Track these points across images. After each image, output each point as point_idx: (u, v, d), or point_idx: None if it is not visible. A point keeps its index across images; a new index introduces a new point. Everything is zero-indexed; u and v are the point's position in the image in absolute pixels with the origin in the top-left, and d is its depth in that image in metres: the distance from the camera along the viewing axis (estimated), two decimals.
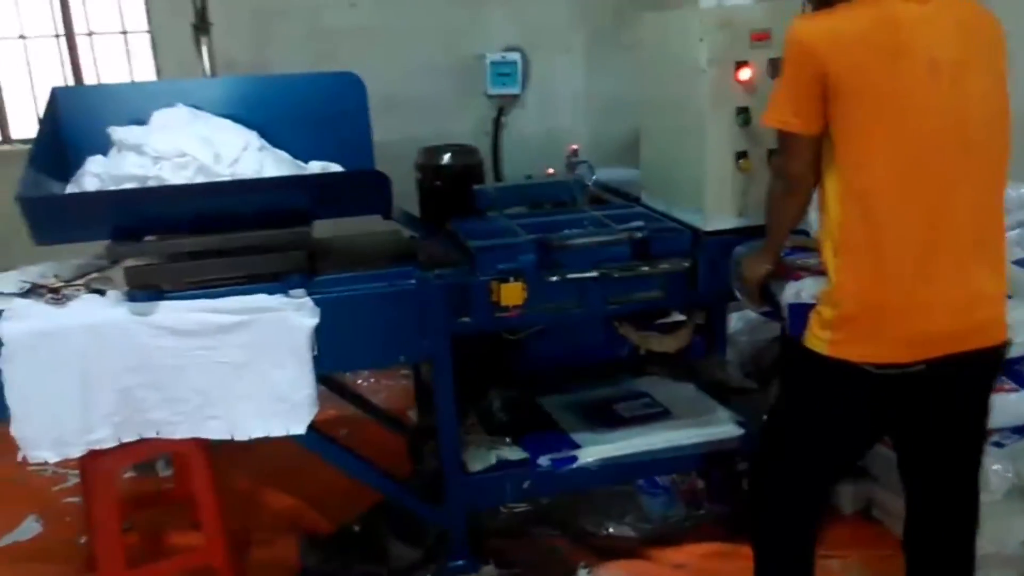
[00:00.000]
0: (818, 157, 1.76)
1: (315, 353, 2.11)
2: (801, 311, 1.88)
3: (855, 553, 2.60)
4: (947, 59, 1.62)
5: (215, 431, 2.08)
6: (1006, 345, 1.74)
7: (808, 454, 1.86)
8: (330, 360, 2.15)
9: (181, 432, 2.07)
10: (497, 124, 3.90)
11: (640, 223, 2.50)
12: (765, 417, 2.52)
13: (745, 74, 2.21)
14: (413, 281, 2.19)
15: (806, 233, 2.18)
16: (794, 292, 2.00)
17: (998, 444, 2.32)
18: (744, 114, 2.24)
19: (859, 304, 1.69)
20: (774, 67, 2.22)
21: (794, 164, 1.78)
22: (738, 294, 2.24)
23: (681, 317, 2.76)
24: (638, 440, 2.46)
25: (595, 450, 2.42)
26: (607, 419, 2.58)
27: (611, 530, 2.69)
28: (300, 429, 2.15)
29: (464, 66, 3.82)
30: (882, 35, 1.63)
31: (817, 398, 1.82)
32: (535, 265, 2.25)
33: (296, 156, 2.38)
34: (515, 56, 3.79)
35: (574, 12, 3.89)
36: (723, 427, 2.53)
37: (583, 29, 3.91)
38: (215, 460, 2.27)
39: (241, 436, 2.09)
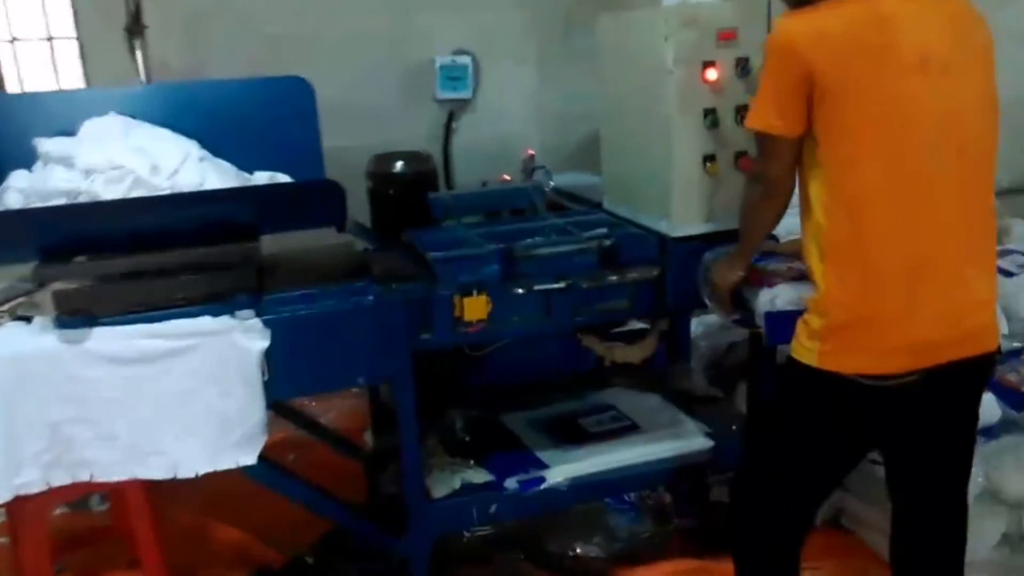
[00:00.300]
0: (797, 160, 1.70)
1: (266, 378, 1.97)
2: (778, 319, 1.82)
3: (827, 564, 2.55)
4: (938, 56, 1.56)
5: (156, 470, 1.92)
6: (999, 352, 1.69)
7: (796, 471, 1.79)
8: (283, 385, 2.00)
9: (118, 473, 1.90)
10: (448, 129, 3.77)
11: (605, 230, 2.42)
12: (742, 428, 2.48)
13: (712, 74, 2.14)
14: (370, 297, 2.05)
15: (775, 238, 2.12)
16: (769, 299, 1.93)
17: None
18: (712, 115, 2.16)
19: (849, 313, 1.62)
20: (742, 67, 2.16)
21: (774, 167, 1.72)
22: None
23: (642, 325, 2.69)
24: (607, 457, 2.37)
25: (563, 469, 2.32)
26: (574, 435, 2.48)
27: (578, 551, 2.59)
28: (250, 459, 2.00)
29: (412, 71, 3.69)
30: (870, 32, 1.57)
31: (807, 412, 1.74)
32: (499, 277, 2.14)
33: (240, 167, 2.23)
34: (465, 59, 3.67)
35: (525, 17, 3.79)
36: (693, 440, 2.45)
37: (535, 33, 3.81)
38: (154, 491, 2.10)
39: (186, 473, 1.92)
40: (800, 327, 1.71)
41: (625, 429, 2.50)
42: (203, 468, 1.94)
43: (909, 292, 1.59)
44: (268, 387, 1.97)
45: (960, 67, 1.59)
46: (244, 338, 1.94)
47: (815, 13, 1.62)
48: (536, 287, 2.13)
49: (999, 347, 1.69)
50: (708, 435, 2.46)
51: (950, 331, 1.62)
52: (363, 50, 3.59)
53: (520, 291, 2.12)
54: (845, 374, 1.63)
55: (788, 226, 1.93)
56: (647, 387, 2.77)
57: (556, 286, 2.14)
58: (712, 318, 3.04)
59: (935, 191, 1.58)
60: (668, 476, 2.43)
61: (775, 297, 1.92)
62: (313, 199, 2.04)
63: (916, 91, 1.56)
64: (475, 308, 2.10)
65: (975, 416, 1.79)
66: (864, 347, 1.62)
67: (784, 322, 1.78)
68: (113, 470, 1.90)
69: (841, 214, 1.60)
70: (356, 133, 3.13)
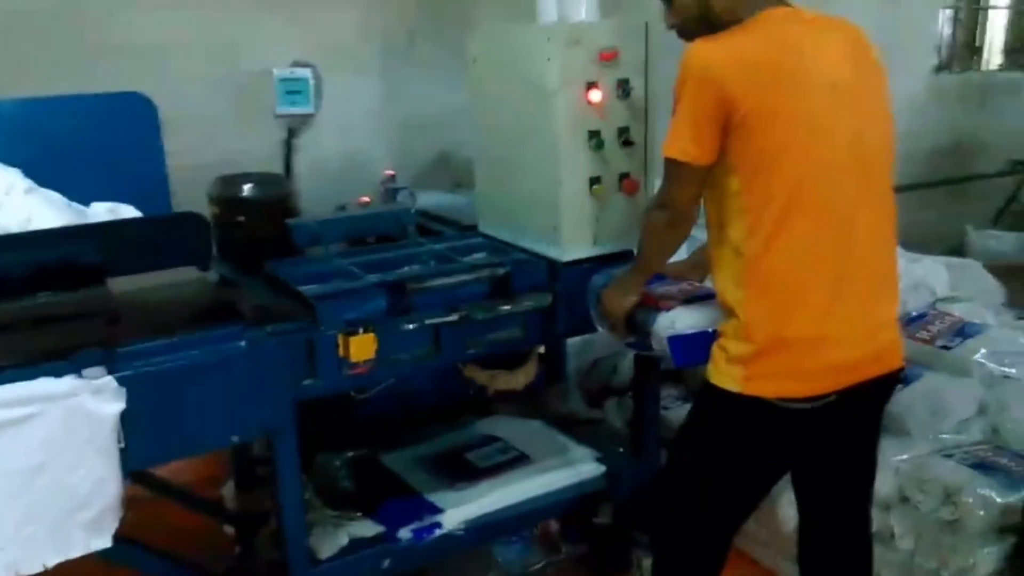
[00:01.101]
0: (704, 187, 1.68)
1: (122, 446, 1.68)
2: (682, 342, 1.81)
3: None
4: (843, 81, 1.59)
5: None
6: (902, 370, 1.75)
7: (717, 498, 1.76)
8: (143, 452, 1.73)
9: None
10: (289, 147, 3.51)
11: (484, 255, 2.31)
12: (628, 450, 2.46)
13: (596, 95, 2.09)
14: (243, 343, 1.82)
15: None
16: (669, 323, 1.90)
17: None
18: (596, 138, 2.11)
19: (773, 338, 1.60)
20: (622, 88, 2.13)
21: (683, 194, 1.68)
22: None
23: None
24: (503, 492, 2.26)
25: (459, 512, 2.18)
26: (463, 473, 2.35)
27: None
28: (104, 542, 1.71)
29: (248, 83, 3.39)
30: (783, 57, 1.57)
31: (727, 436, 1.72)
32: (385, 312, 1.97)
33: (73, 197, 1.91)
34: (305, 72, 3.42)
35: (365, 26, 3.59)
36: (585, 467, 2.39)
37: (376, 44, 3.62)
38: None
39: (29, 570, 1.60)
40: (717, 353, 1.69)
41: (515, 461, 2.40)
42: (51, 559, 1.63)
43: (830, 313, 1.60)
44: (125, 456, 1.69)
45: (861, 89, 1.63)
46: (95, 401, 1.64)
47: (729, 38, 1.60)
48: (428, 321, 1.97)
49: (903, 364, 1.74)
50: (598, 460, 2.40)
51: (864, 350, 1.65)
52: (192, 60, 3.26)
53: (411, 326, 1.96)
54: (768, 398, 1.61)
55: None
56: (527, 412, 2.69)
57: (449, 319, 2.00)
58: (576, 337, 3.01)
59: (850, 214, 1.60)
60: (566, 506, 2.36)
61: (675, 321, 1.89)
62: (172, 235, 1.77)
63: (829, 113, 1.57)
64: (362, 348, 1.91)
65: (879, 430, 1.84)
66: (788, 371, 1.61)
67: (688, 345, 1.77)
68: None
69: (759, 239, 1.59)
70: (187, 151, 2.82)
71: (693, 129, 1.59)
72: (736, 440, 1.71)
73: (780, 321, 1.60)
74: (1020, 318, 3.37)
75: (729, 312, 1.67)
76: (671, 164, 1.66)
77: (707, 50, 1.59)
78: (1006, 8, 5.73)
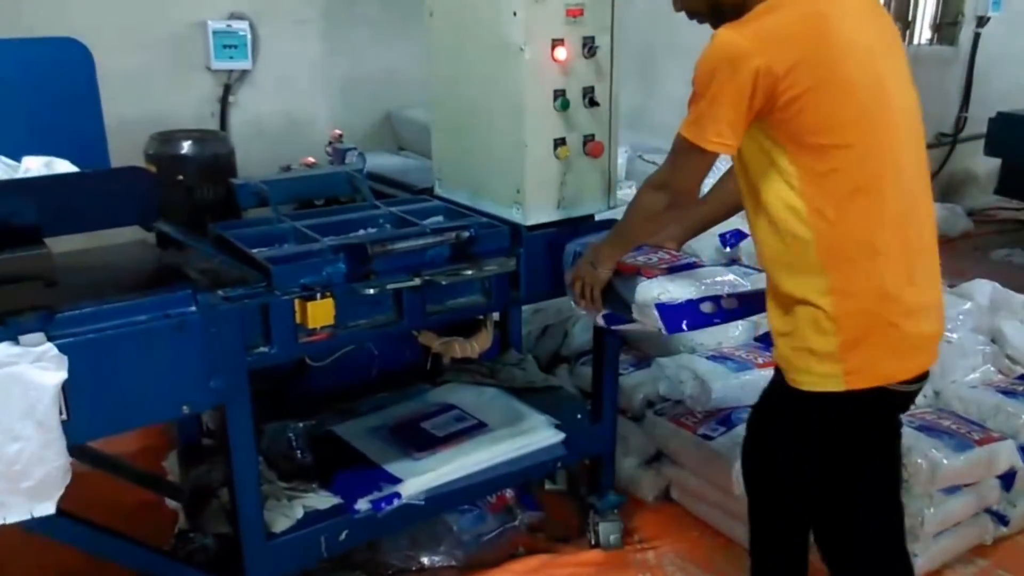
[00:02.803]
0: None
1: (64, 417, 1.57)
2: (674, 312, 1.78)
3: (666, 541, 2.60)
4: (874, 45, 1.55)
5: None
6: None
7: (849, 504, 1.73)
8: (86, 424, 1.61)
9: None
10: (224, 104, 3.34)
11: (441, 219, 2.24)
12: (588, 415, 2.43)
13: (562, 53, 2.02)
14: (193, 308, 1.71)
15: None
16: (656, 293, 1.87)
17: None
18: (562, 97, 2.05)
19: (869, 316, 1.54)
20: (588, 46, 2.07)
21: (689, 179, 1.64)
22: (574, 296, 2.06)
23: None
24: (462, 461, 2.20)
25: (418, 481, 2.12)
26: (420, 442, 2.28)
27: (424, 562, 2.42)
28: (47, 509, 1.60)
29: (179, 36, 3.20)
30: (816, 27, 1.50)
31: (840, 443, 1.65)
32: (345, 277, 1.88)
33: (1, 151, 1.75)
34: (243, 25, 3.25)
35: None
36: (544, 433, 2.36)
37: None
38: None
39: None
40: (799, 356, 1.60)
41: (472, 429, 2.35)
42: None
43: (912, 281, 1.55)
44: (68, 428, 1.58)
45: (888, 51, 1.59)
46: (33, 369, 1.52)
47: (756, 20, 1.51)
48: (390, 286, 1.90)
49: None
50: (557, 427, 2.38)
51: (939, 326, 1.63)
52: (117, 9, 3.05)
53: (371, 291, 1.88)
54: (879, 387, 1.56)
55: None
56: (482, 380, 2.64)
57: (411, 284, 1.92)
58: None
59: (910, 174, 1.56)
60: (527, 473, 2.33)
61: (661, 289, 1.86)
62: (116, 191, 1.64)
63: (874, 76, 1.52)
64: (320, 313, 1.83)
65: None
66: (891, 349, 1.56)
67: (679, 312, 1.75)
68: None
69: (828, 215, 1.52)
70: (114, 107, 2.64)
71: (732, 115, 1.50)
72: (850, 443, 1.65)
73: (871, 296, 1.54)
74: (952, 286, 3.48)
75: (799, 305, 1.58)
76: (693, 151, 1.58)
77: (738, 34, 1.50)
78: None
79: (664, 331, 1.84)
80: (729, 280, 1.93)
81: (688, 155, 1.60)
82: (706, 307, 1.87)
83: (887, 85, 1.55)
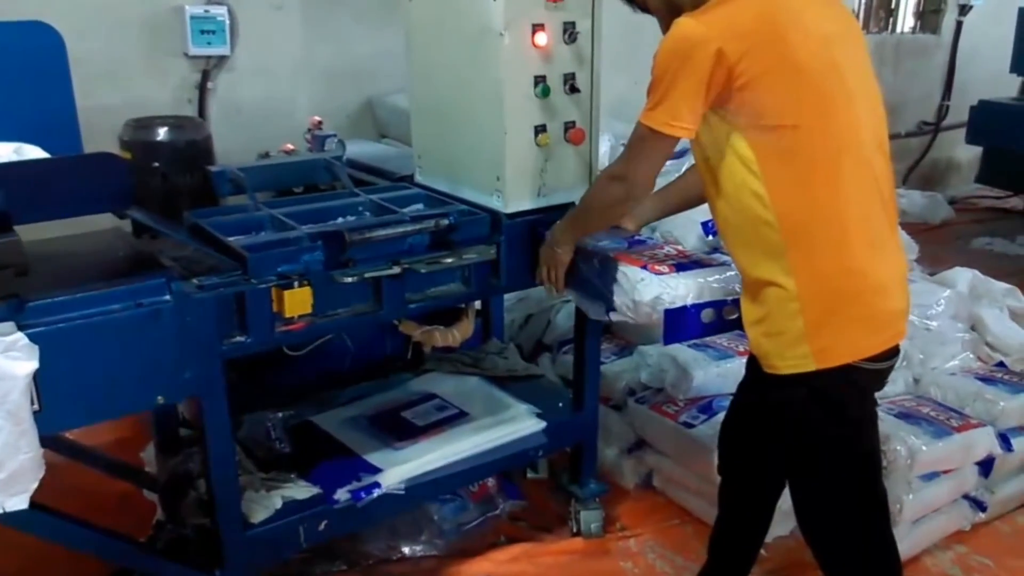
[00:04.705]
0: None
1: (36, 408, 1.54)
2: (681, 318, 1.74)
3: (647, 529, 2.60)
4: (832, 33, 1.57)
5: None
6: None
7: (865, 491, 1.72)
8: (58, 414, 1.58)
9: None
10: (203, 91, 3.30)
11: (421, 206, 2.22)
12: (569, 404, 2.42)
13: (542, 38, 2.00)
14: (167, 297, 1.68)
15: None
16: (656, 293, 1.81)
17: None
18: (543, 84, 2.03)
19: (830, 294, 1.55)
20: (569, 32, 2.05)
21: (650, 170, 1.64)
22: (540, 280, 2.06)
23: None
24: (442, 451, 2.19)
25: (398, 472, 2.10)
26: (400, 431, 2.27)
27: (405, 552, 2.41)
28: (20, 503, 1.56)
29: (157, 20, 3.16)
30: (773, 14, 1.52)
31: (819, 427, 1.65)
32: (323, 265, 1.86)
33: None
34: (221, 11, 3.21)
35: None
36: (525, 422, 2.35)
37: None
38: None
39: None
40: (771, 342, 1.61)
41: (453, 418, 2.34)
42: None
43: (878, 257, 1.56)
44: (40, 419, 1.55)
45: (847, 40, 1.61)
46: (4, 359, 1.49)
47: (715, 9, 1.53)
48: (368, 274, 1.88)
49: None
50: (538, 416, 2.37)
51: (905, 302, 1.63)
52: None
53: (350, 280, 1.86)
54: (847, 364, 1.56)
55: None
56: (464, 370, 2.62)
57: (390, 272, 1.90)
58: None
59: (869, 154, 1.57)
60: (508, 462, 2.32)
61: (666, 289, 1.81)
62: (88, 178, 1.61)
63: (831, 61, 1.54)
64: (297, 302, 1.81)
65: None
66: (855, 328, 1.56)
67: (684, 318, 1.71)
68: None
69: (792, 195, 1.53)
70: (92, 93, 2.60)
71: (691, 99, 1.51)
72: (827, 425, 1.64)
73: (836, 273, 1.55)
74: (932, 274, 3.50)
75: (766, 287, 1.60)
76: (651, 136, 1.58)
77: (695, 23, 1.51)
78: None
79: (664, 340, 1.82)
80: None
81: (646, 143, 1.61)
82: (706, 315, 1.83)
83: (843, 70, 1.56)
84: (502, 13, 1.95)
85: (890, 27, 5.79)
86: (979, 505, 2.57)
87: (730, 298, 1.85)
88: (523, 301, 3.27)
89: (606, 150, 3.30)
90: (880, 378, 1.67)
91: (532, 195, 2.12)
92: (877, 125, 1.61)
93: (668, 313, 1.78)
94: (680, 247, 2.06)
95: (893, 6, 5.75)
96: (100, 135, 2.22)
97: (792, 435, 1.70)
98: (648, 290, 1.81)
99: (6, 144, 1.73)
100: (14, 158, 1.69)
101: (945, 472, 2.45)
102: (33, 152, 1.75)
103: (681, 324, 1.74)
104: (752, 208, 1.57)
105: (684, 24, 1.53)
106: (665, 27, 1.69)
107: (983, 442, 2.49)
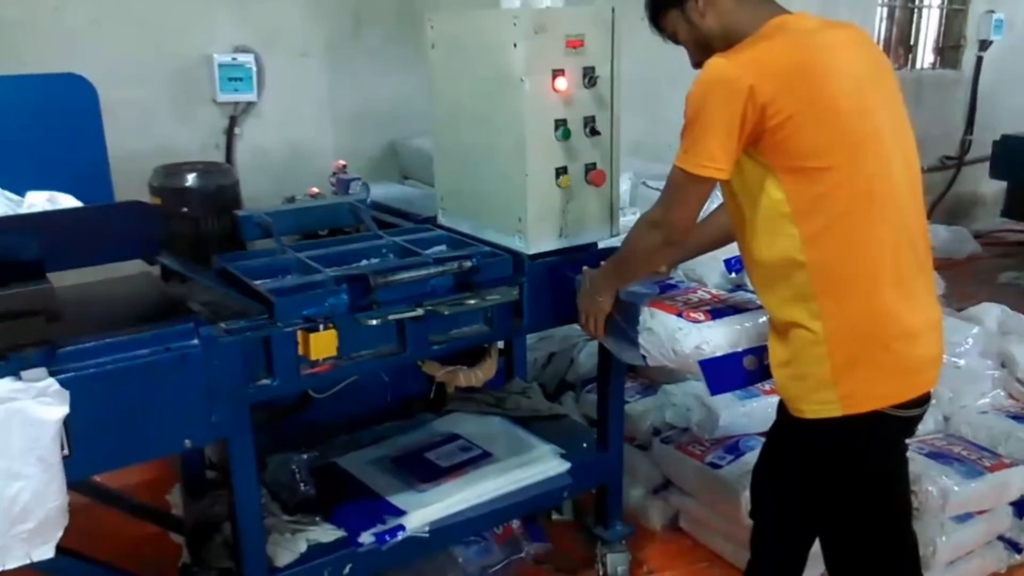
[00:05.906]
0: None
1: (66, 453, 1.56)
2: (717, 368, 1.72)
3: (675, 572, 2.58)
4: (865, 76, 1.57)
5: None
6: None
7: (882, 536, 1.68)
8: (88, 459, 1.60)
9: None
10: (230, 136, 3.37)
11: (445, 248, 2.24)
12: (594, 444, 2.41)
13: (562, 83, 2.03)
14: (195, 341, 1.70)
15: None
16: (695, 342, 1.79)
17: None
18: (563, 127, 2.06)
19: (858, 340, 1.53)
20: (588, 76, 2.08)
21: (687, 214, 1.63)
22: (585, 325, 2.05)
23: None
24: (467, 492, 2.18)
25: (422, 514, 2.10)
26: (424, 473, 2.27)
27: None
28: (47, 553, 1.58)
29: (186, 69, 3.24)
30: (806, 55, 1.53)
31: (847, 472, 1.64)
32: (348, 308, 1.88)
33: (5, 187, 1.76)
34: (248, 58, 3.29)
35: (308, 10, 3.47)
36: (550, 463, 2.34)
37: (321, 30, 3.50)
38: None
39: None
40: (797, 386, 1.60)
41: (477, 459, 2.33)
42: None
43: (907, 302, 1.55)
44: (69, 464, 1.57)
45: (879, 82, 1.61)
46: (35, 405, 1.51)
47: (748, 48, 1.54)
48: (392, 316, 1.89)
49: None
50: (564, 457, 2.36)
51: (936, 349, 1.61)
52: (125, 44, 3.09)
53: (374, 322, 1.87)
54: (875, 411, 1.54)
55: None
56: (487, 410, 2.62)
57: (414, 314, 1.91)
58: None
59: (903, 198, 1.57)
60: (533, 503, 2.30)
61: (705, 339, 1.79)
62: (118, 225, 1.65)
63: (864, 103, 1.54)
64: (323, 345, 1.82)
65: None
66: (883, 375, 1.54)
67: (721, 370, 1.69)
68: None
69: (823, 240, 1.52)
70: (122, 140, 2.66)
71: (725, 140, 1.50)
72: (855, 471, 1.63)
73: (865, 318, 1.53)
74: (959, 309, 3.46)
75: (793, 329, 1.58)
76: (686, 180, 1.58)
77: (727, 63, 1.52)
78: (938, 7, 5.90)
79: (710, 391, 1.79)
80: None
81: (683, 187, 1.61)
82: (749, 363, 1.79)
83: (875, 112, 1.56)
84: (523, 59, 1.99)
85: (909, 63, 5.80)
86: (1014, 546, 2.51)
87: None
88: (545, 339, 3.27)
89: (626, 188, 3.32)
90: (910, 426, 1.65)
91: (554, 236, 2.13)
92: (909, 166, 1.61)
93: (710, 363, 1.75)
94: (711, 290, 2.05)
95: (912, 43, 5.77)
96: (130, 180, 2.28)
97: (818, 481, 1.68)
98: (688, 340, 1.79)
99: (40, 193, 1.78)
100: (48, 207, 1.73)
101: (979, 513, 2.40)
102: (66, 201, 1.79)
103: (726, 374, 1.72)
104: (785, 251, 1.56)
105: (716, 65, 1.53)
106: (693, 58, 1.71)
107: (1017, 482, 2.44)
